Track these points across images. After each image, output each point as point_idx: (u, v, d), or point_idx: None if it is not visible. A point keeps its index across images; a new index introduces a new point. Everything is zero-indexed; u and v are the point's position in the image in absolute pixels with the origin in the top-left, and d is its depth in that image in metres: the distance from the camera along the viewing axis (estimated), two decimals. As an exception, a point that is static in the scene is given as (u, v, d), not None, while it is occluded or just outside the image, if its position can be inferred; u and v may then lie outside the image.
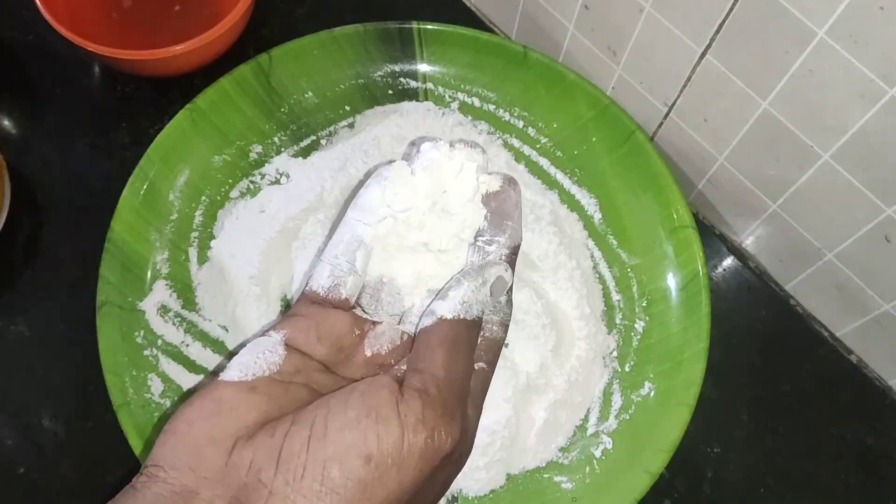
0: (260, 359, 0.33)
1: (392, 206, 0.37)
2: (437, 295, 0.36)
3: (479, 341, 0.35)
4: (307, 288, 0.36)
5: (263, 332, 0.35)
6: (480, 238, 0.38)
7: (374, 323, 0.37)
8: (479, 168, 0.38)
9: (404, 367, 0.35)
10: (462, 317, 0.34)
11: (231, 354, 0.49)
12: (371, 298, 0.37)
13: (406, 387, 0.32)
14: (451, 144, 0.40)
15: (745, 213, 0.53)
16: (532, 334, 0.49)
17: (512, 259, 0.38)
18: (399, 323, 0.37)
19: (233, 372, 0.33)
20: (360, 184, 0.51)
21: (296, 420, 0.31)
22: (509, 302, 0.37)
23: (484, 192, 0.39)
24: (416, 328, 0.35)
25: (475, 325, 0.34)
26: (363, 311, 0.37)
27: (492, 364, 0.36)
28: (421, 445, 0.30)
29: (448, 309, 0.34)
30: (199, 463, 0.30)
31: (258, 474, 0.29)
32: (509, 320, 0.37)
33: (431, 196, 0.38)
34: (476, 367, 0.35)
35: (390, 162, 0.39)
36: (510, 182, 0.39)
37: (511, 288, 0.37)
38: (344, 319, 0.36)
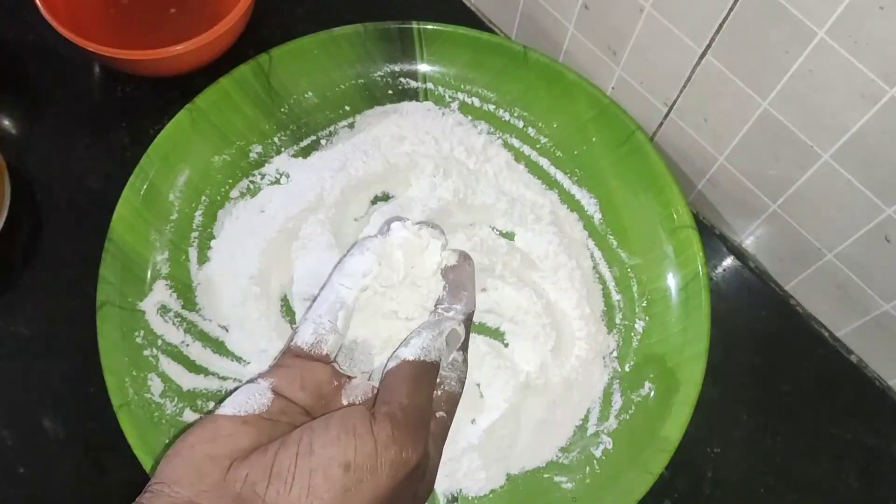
0: (251, 399, 0.38)
1: (376, 279, 0.42)
2: (400, 344, 0.40)
3: (438, 393, 0.40)
4: (292, 343, 0.41)
5: (253, 379, 0.39)
6: (440, 306, 0.43)
7: (349, 377, 0.41)
8: (442, 246, 0.43)
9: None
10: (422, 359, 0.39)
11: (231, 354, 0.49)
12: (346, 357, 0.42)
13: (377, 412, 0.36)
14: (417, 224, 0.44)
15: (745, 213, 0.53)
16: (532, 334, 0.49)
17: (467, 323, 0.42)
18: (369, 379, 0.42)
19: (228, 408, 0.37)
20: (361, 184, 0.51)
21: (284, 441, 0.35)
22: (465, 361, 0.42)
23: (443, 266, 0.44)
24: (383, 372, 0.40)
25: (433, 366, 0.39)
26: (339, 367, 0.41)
27: (450, 413, 0.40)
28: (392, 457, 0.35)
29: (410, 352, 0.39)
30: (200, 479, 0.34)
31: (253, 487, 0.34)
32: (465, 377, 0.41)
33: (403, 270, 0.43)
34: (437, 416, 0.39)
35: (375, 236, 0.43)
36: (465, 258, 0.44)
37: (467, 346, 0.42)
38: (325, 371, 0.40)
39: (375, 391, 0.40)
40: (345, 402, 0.40)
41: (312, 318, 0.41)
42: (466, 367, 0.42)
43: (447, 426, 0.40)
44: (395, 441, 0.35)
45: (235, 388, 0.49)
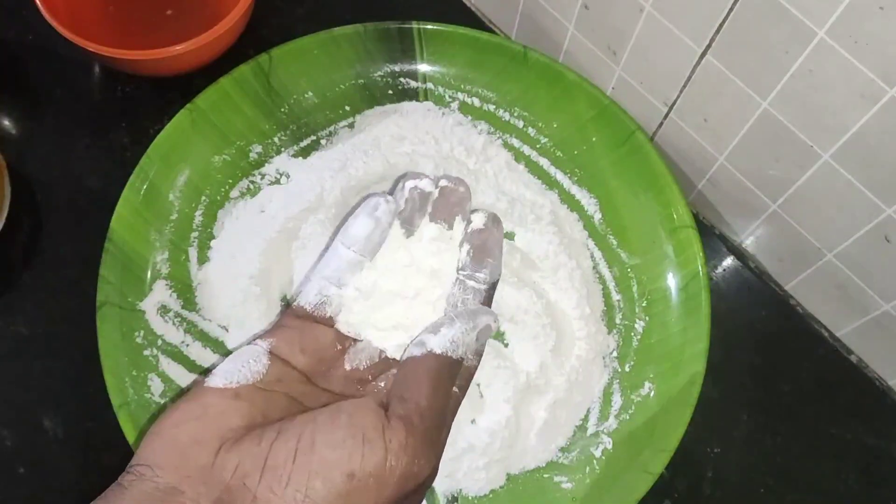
0: (244, 367, 0.35)
1: (379, 263, 0.40)
2: (428, 327, 0.38)
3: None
4: (294, 303, 0.38)
5: (250, 341, 0.37)
6: (462, 272, 0.40)
7: (354, 340, 0.39)
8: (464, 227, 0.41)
9: (381, 384, 0.38)
10: (449, 354, 0.36)
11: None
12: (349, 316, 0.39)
13: (391, 413, 0.34)
14: (436, 182, 0.41)
15: (745, 213, 0.53)
16: (532, 334, 0.49)
17: (490, 294, 0.40)
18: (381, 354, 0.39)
19: (217, 379, 0.34)
20: (361, 184, 0.51)
21: (282, 430, 0.32)
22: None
23: (468, 230, 0.41)
24: (403, 355, 0.37)
25: (458, 363, 0.36)
26: (344, 330, 0.39)
27: (464, 389, 0.38)
28: (402, 470, 0.32)
29: (438, 344, 0.36)
30: (185, 463, 0.31)
31: (243, 479, 0.31)
32: (483, 350, 0.39)
33: (417, 257, 0.41)
34: (451, 392, 0.37)
35: (382, 193, 0.41)
36: (494, 220, 0.41)
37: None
38: (327, 333, 0.38)
39: (383, 356, 0.38)
40: (348, 368, 0.37)
41: (316, 278, 0.39)
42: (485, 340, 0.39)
43: (459, 401, 0.38)
44: (408, 451, 0.32)
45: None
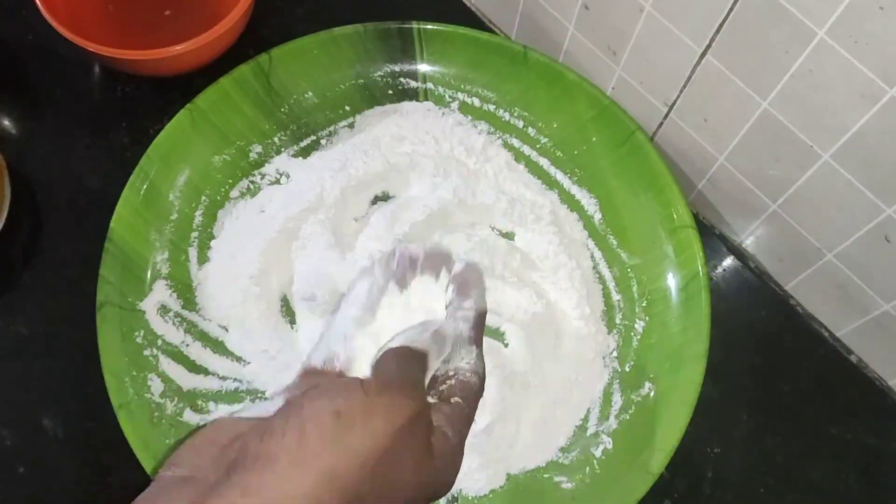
0: (259, 407, 0.38)
1: (381, 322, 0.42)
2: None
3: (452, 382, 0.40)
4: (307, 365, 0.41)
5: (269, 397, 0.40)
6: (450, 307, 0.43)
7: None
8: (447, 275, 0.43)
9: None
10: (405, 345, 0.39)
11: (231, 354, 0.49)
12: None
13: (365, 380, 0.38)
14: (423, 247, 0.43)
15: (745, 213, 0.53)
16: (532, 334, 0.49)
17: (480, 322, 0.42)
18: None
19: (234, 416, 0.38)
20: (361, 184, 0.51)
21: (276, 413, 0.36)
22: (479, 356, 0.41)
23: (451, 273, 0.43)
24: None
25: (419, 353, 0.39)
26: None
27: (467, 400, 0.40)
28: (385, 403, 0.35)
29: (393, 343, 0.39)
30: (200, 456, 0.36)
31: (246, 448, 0.34)
32: (482, 371, 0.41)
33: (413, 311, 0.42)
34: (451, 401, 0.39)
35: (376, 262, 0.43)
36: (472, 265, 0.44)
37: (481, 343, 0.42)
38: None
39: None
40: None
41: (324, 340, 0.41)
42: (482, 361, 0.41)
43: (465, 413, 0.40)
44: (386, 391, 0.36)
45: (235, 389, 0.49)
